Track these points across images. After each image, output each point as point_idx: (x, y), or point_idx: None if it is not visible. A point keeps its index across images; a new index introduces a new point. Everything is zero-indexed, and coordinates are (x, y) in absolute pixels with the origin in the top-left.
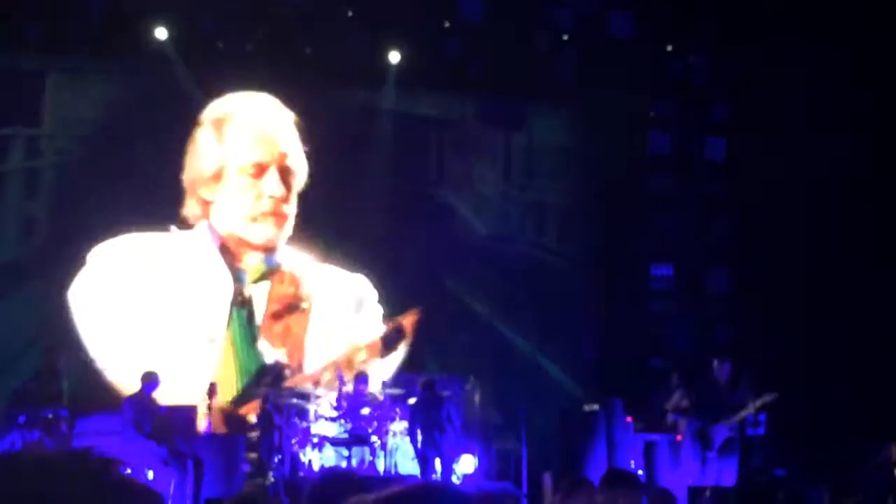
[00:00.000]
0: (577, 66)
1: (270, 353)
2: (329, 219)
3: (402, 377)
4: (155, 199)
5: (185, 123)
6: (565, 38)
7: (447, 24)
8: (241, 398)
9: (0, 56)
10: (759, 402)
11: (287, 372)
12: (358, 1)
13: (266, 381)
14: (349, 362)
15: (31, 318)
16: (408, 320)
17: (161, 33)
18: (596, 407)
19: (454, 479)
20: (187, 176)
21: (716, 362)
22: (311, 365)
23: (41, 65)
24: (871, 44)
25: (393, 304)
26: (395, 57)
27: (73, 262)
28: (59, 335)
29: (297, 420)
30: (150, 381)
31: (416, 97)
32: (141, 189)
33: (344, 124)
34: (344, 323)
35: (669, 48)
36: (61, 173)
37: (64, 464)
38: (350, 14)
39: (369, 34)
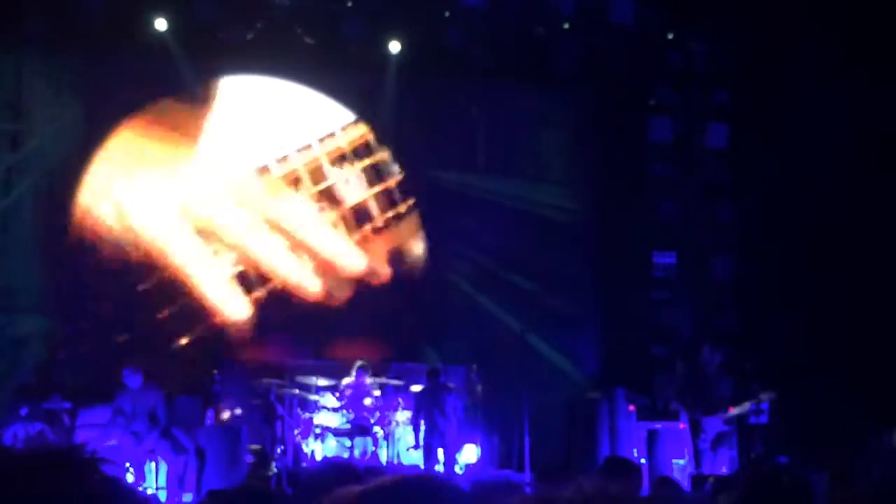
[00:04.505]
0: (577, 54)
1: None
2: None
3: (404, 367)
4: None
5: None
6: (566, 26)
7: (447, 14)
8: None
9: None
10: (755, 401)
11: None
12: None
13: None
14: None
15: None
16: None
17: (161, 24)
18: (598, 395)
19: (457, 469)
20: None
21: (707, 350)
22: None
23: (37, 59)
24: (873, 31)
25: None
26: (395, 47)
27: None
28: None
29: (299, 411)
30: (129, 374)
31: (417, 85)
32: None
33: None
34: None
35: (670, 36)
36: (50, 172)
37: (50, 461)
38: (350, 4)
39: (369, 23)
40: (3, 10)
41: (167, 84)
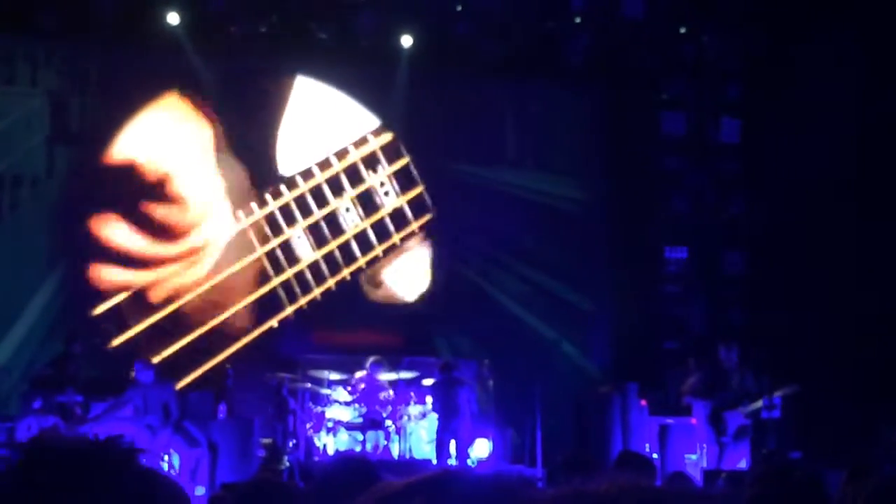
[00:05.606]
0: (589, 48)
1: None
2: None
3: (416, 361)
4: None
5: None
6: (578, 19)
7: (459, 8)
8: None
9: (13, 43)
10: (778, 393)
11: None
12: None
13: None
14: None
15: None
16: None
17: (173, 18)
18: (609, 389)
19: (469, 463)
20: None
21: (723, 348)
22: None
23: (51, 51)
24: (886, 24)
25: None
26: (407, 41)
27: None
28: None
29: (311, 405)
30: (141, 368)
31: (428, 79)
32: None
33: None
34: None
35: (682, 29)
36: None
37: (89, 453)
38: None
39: (382, 17)
40: (15, 2)
41: (178, 78)
